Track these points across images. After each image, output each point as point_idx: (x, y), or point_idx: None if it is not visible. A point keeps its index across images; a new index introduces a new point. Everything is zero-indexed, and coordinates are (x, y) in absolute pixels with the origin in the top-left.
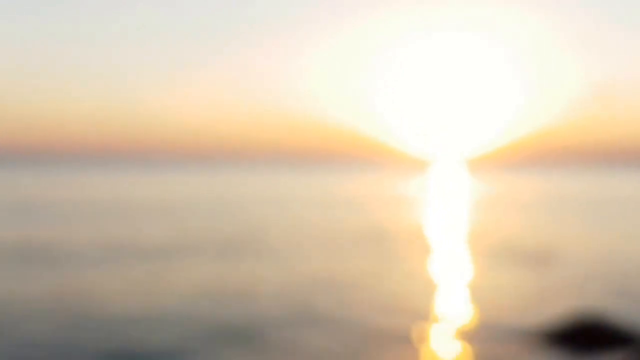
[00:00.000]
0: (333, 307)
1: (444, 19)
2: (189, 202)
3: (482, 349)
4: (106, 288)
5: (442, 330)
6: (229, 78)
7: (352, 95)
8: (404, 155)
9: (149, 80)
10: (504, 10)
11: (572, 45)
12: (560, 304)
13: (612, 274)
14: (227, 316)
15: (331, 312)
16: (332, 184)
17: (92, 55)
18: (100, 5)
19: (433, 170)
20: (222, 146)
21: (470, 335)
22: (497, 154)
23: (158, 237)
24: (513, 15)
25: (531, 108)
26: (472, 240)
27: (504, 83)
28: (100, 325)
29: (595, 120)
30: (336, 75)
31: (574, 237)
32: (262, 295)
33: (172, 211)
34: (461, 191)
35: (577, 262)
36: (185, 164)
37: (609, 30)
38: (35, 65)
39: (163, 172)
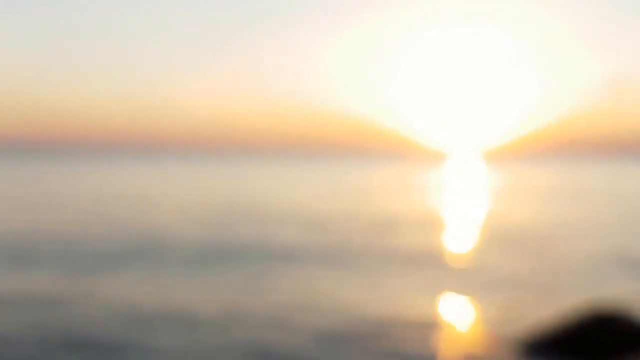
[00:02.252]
0: (329, 296)
1: (462, 12)
2: (202, 193)
3: (486, 349)
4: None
5: (441, 326)
6: (246, 71)
7: (370, 87)
8: (421, 147)
9: (164, 75)
10: (520, 4)
11: (587, 38)
12: (570, 297)
13: (627, 266)
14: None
15: (325, 302)
16: (350, 176)
17: (108, 50)
18: (115, 1)
19: (450, 162)
20: (241, 139)
21: (471, 334)
22: (513, 145)
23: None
24: (529, 9)
25: (547, 100)
26: (485, 231)
27: (520, 75)
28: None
29: (610, 113)
30: (354, 68)
31: (588, 228)
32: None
33: (184, 202)
34: (478, 182)
35: (592, 253)
36: (201, 157)
37: (624, 23)
38: (52, 60)
39: (178, 165)
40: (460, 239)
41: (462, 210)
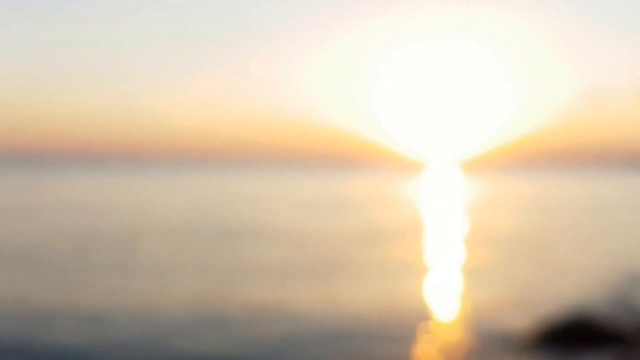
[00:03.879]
0: (319, 305)
1: (439, 25)
2: (184, 202)
3: (470, 350)
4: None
5: (428, 331)
6: (230, 82)
7: (349, 98)
8: (399, 157)
9: (152, 85)
10: (497, 17)
11: (562, 50)
12: (550, 303)
13: (601, 273)
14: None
15: (316, 309)
16: (328, 186)
17: (95, 60)
18: (103, 12)
19: (428, 172)
20: (223, 149)
21: (457, 337)
22: (491, 155)
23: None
24: (506, 22)
25: (523, 111)
26: (464, 240)
27: (496, 87)
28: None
29: (585, 123)
30: (334, 79)
31: (564, 237)
32: (246, 296)
33: (169, 211)
34: (455, 192)
35: (568, 262)
36: (187, 167)
37: (598, 36)
38: (39, 71)
39: (166, 174)
40: (442, 248)
41: (441, 220)
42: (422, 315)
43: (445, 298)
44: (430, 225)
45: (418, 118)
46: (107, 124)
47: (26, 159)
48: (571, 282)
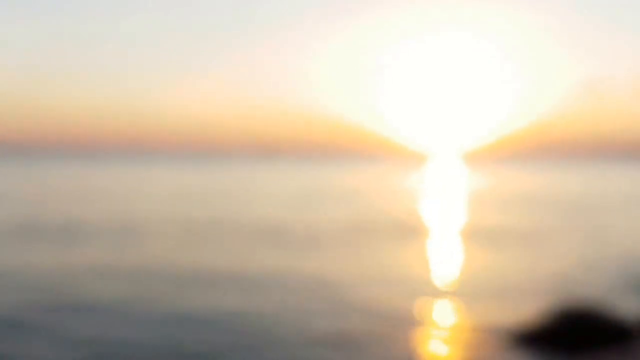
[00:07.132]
0: (322, 296)
1: (442, 17)
2: (183, 194)
3: (465, 346)
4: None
5: (421, 326)
6: (236, 75)
7: (354, 90)
8: (403, 149)
9: (159, 78)
10: (499, 9)
11: (564, 42)
12: (551, 296)
13: (603, 266)
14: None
15: (320, 302)
16: (332, 177)
17: (103, 54)
18: (110, 6)
19: (431, 164)
20: (229, 141)
21: (453, 332)
22: (493, 147)
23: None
24: (509, 14)
25: (525, 103)
26: (464, 232)
27: (499, 79)
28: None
29: (588, 115)
30: (339, 72)
31: (565, 230)
32: (249, 286)
33: (174, 201)
34: (458, 184)
35: (568, 253)
36: (193, 159)
37: (599, 28)
38: (49, 64)
39: (172, 167)
40: (442, 240)
41: (443, 212)
42: (419, 308)
43: (443, 290)
44: (431, 217)
45: (421, 110)
46: (115, 117)
47: (33, 151)
48: (573, 275)
